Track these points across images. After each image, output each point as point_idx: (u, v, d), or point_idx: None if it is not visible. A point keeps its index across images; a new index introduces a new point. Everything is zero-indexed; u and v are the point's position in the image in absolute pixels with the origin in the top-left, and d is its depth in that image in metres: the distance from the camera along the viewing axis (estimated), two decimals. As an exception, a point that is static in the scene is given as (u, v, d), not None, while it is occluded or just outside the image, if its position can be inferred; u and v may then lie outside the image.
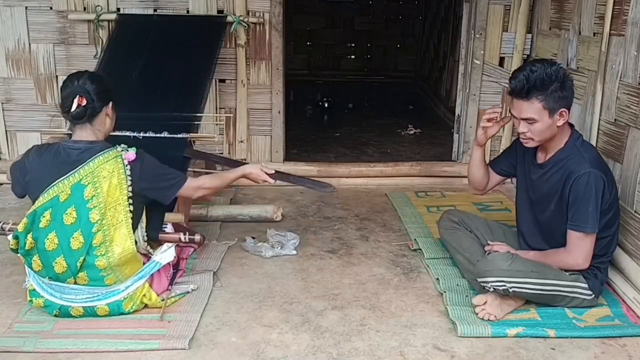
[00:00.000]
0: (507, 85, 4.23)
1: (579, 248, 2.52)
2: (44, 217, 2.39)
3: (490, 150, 4.43)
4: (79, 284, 2.47)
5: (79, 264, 2.41)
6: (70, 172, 2.41)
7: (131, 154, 2.50)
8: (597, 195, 2.46)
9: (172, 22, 4.03)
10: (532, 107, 2.49)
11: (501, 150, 4.35)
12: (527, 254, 2.65)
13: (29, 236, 2.39)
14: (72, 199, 2.40)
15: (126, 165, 2.47)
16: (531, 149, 2.71)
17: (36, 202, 2.42)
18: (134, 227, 2.54)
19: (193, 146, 3.49)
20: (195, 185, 2.72)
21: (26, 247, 2.39)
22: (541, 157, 2.68)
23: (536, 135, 2.54)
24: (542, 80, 2.46)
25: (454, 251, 2.94)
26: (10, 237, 2.44)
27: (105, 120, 2.56)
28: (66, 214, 2.39)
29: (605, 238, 2.59)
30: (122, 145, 2.55)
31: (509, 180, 3.30)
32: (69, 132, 2.73)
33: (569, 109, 2.52)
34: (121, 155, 2.48)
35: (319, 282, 2.90)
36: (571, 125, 2.63)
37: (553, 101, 2.47)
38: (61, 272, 2.42)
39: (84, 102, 2.45)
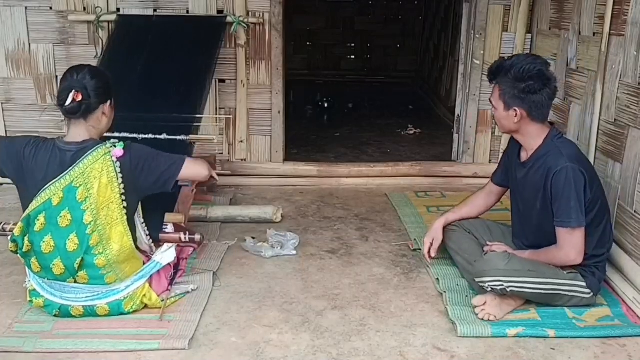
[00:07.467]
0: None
1: (569, 243, 2.51)
2: (38, 220, 2.36)
3: (490, 150, 4.44)
4: (79, 283, 2.46)
5: (76, 265, 2.39)
6: (62, 175, 2.37)
7: (119, 150, 2.43)
8: (577, 189, 2.46)
9: (172, 23, 4.03)
10: (494, 93, 2.62)
11: (501, 150, 4.38)
12: (523, 254, 2.65)
13: (26, 239, 2.38)
14: (65, 201, 2.36)
15: (115, 163, 2.41)
16: (516, 148, 2.74)
17: (30, 205, 2.39)
18: (131, 223, 2.51)
19: (194, 148, 3.48)
20: (195, 163, 2.61)
21: (24, 250, 2.39)
22: (523, 156, 2.70)
23: (497, 121, 2.67)
24: (508, 71, 2.52)
25: (453, 252, 2.95)
26: (8, 239, 2.44)
27: (101, 118, 2.50)
28: (60, 216, 2.36)
29: (595, 237, 2.58)
30: (112, 141, 2.50)
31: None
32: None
33: (526, 112, 2.53)
34: (110, 152, 2.42)
35: (319, 282, 2.90)
36: (551, 123, 2.66)
37: (509, 95, 2.54)
38: (59, 274, 2.41)
39: (79, 98, 2.39)
